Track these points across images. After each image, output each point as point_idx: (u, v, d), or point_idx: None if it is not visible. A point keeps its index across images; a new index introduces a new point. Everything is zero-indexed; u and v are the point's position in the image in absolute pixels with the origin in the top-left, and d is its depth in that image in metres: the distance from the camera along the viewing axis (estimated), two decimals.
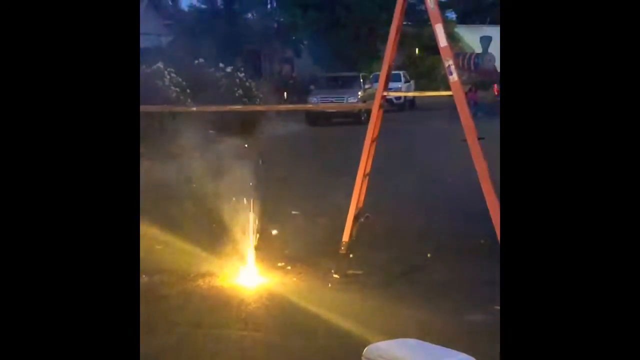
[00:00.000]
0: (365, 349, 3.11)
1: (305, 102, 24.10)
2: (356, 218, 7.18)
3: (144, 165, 14.72)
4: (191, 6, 27.66)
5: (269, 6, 28.06)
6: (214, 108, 13.00)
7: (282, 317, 5.30)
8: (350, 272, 6.33)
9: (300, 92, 26.19)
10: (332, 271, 6.35)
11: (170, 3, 26.73)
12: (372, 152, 7.16)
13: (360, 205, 7.26)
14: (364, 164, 7.07)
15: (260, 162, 10.51)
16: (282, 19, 27.44)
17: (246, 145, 18.09)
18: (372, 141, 7.06)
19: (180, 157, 14.88)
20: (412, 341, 3.27)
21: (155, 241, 7.61)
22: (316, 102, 23.88)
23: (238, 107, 13.79)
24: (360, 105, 23.72)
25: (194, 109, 13.57)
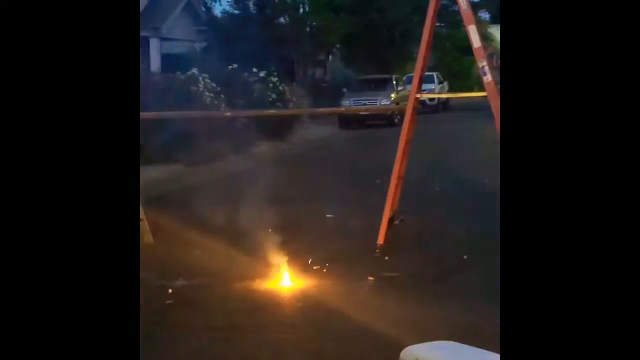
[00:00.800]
0: (402, 351, 3.04)
1: (339, 105, 24.14)
2: (391, 221, 7.18)
3: (179, 169, 14.76)
4: (224, 12, 27.88)
5: (301, 10, 28.13)
6: (248, 113, 13.03)
7: (318, 320, 5.30)
8: (386, 274, 6.32)
9: (334, 96, 26.26)
10: (368, 274, 6.35)
11: (203, 9, 26.94)
12: (406, 154, 7.14)
13: (395, 207, 7.26)
14: (398, 166, 7.06)
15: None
16: (314, 23, 27.52)
17: (281, 149, 18.25)
18: (406, 144, 7.04)
19: (215, 161, 15.03)
20: (449, 344, 3.25)
21: (193, 245, 7.68)
22: (349, 105, 23.90)
23: (272, 112, 13.83)
24: (394, 107, 23.67)
25: (228, 114, 13.65)
